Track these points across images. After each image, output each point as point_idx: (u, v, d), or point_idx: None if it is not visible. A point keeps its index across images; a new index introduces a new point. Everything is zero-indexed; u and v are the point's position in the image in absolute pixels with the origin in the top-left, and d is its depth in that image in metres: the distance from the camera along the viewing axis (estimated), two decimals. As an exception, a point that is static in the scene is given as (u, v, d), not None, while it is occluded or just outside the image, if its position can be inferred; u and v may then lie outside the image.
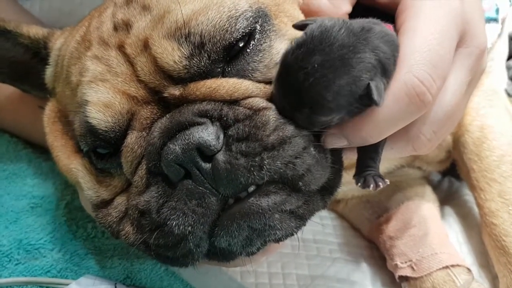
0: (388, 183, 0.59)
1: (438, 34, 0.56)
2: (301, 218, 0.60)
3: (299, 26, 0.56)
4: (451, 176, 1.08)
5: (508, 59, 1.22)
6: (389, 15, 0.62)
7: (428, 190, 0.96)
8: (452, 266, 0.80)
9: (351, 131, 0.56)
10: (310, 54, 0.51)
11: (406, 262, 0.83)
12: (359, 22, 0.55)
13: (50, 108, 0.74)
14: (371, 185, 0.58)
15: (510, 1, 1.06)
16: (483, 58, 0.63)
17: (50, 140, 0.73)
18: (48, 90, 0.76)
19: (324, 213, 1.01)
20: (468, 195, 1.00)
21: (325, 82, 0.51)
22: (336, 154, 0.62)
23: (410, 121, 0.56)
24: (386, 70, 0.53)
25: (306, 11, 0.66)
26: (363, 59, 0.52)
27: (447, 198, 1.03)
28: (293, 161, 0.55)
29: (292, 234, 0.60)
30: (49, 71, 0.75)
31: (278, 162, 0.55)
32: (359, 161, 0.61)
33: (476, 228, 0.92)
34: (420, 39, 0.56)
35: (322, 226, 0.97)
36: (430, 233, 0.84)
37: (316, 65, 0.51)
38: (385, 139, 0.58)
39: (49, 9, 1.16)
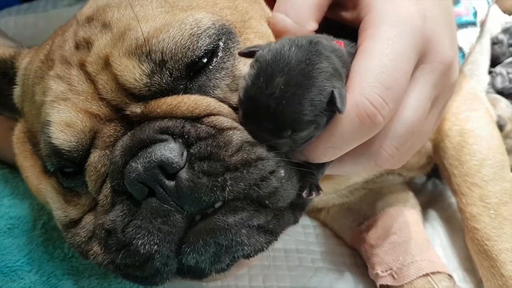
0: (321, 194, 0.59)
1: (394, 55, 0.56)
2: (271, 233, 0.59)
3: (246, 54, 0.56)
4: (435, 178, 1.07)
5: (492, 64, 1.22)
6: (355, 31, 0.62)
7: (409, 196, 0.96)
8: (433, 273, 0.80)
9: (308, 149, 0.56)
10: (271, 79, 0.51)
11: (386, 271, 0.82)
12: (305, 37, 0.55)
13: (19, 129, 0.74)
14: (304, 192, 0.58)
15: (488, 2, 1.05)
16: (450, 72, 0.63)
17: (19, 161, 0.73)
18: (18, 110, 0.75)
19: (306, 222, 1.01)
20: (452, 198, 0.99)
21: (297, 99, 0.51)
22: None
23: (363, 141, 0.57)
24: (341, 77, 0.54)
25: (273, 30, 0.66)
26: (321, 69, 0.52)
27: (431, 201, 1.03)
28: (257, 184, 0.55)
29: (262, 250, 0.59)
30: (17, 91, 0.74)
31: (241, 184, 0.54)
32: (306, 166, 0.60)
33: (461, 231, 0.92)
34: (375, 61, 0.56)
35: (305, 235, 0.97)
36: (411, 240, 0.84)
37: (282, 87, 0.51)
38: None
39: (25, 25, 1.16)
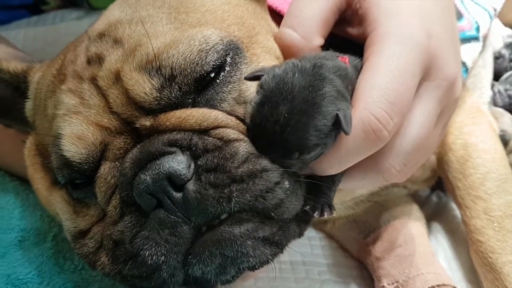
0: (334, 214, 0.60)
1: (398, 71, 0.57)
2: (277, 245, 0.60)
3: (251, 78, 0.58)
4: (440, 190, 1.08)
5: (494, 78, 1.23)
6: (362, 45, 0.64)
7: (414, 208, 0.96)
8: (438, 286, 0.80)
9: (314, 162, 0.57)
10: (276, 107, 0.53)
11: (393, 284, 0.82)
12: (310, 59, 0.57)
13: (31, 141, 0.76)
14: (316, 212, 0.59)
15: (490, 17, 1.06)
16: (454, 88, 0.64)
17: (30, 173, 0.74)
18: (29, 124, 0.77)
19: (312, 234, 1.01)
20: (456, 211, 0.99)
21: (302, 126, 0.52)
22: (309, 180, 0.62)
23: (368, 155, 0.58)
24: (345, 97, 0.55)
25: (279, 44, 0.67)
26: (325, 94, 0.53)
27: (436, 214, 1.03)
28: (263, 195, 0.56)
29: (268, 262, 0.60)
30: (29, 105, 0.76)
31: (247, 195, 0.55)
32: (316, 186, 0.61)
33: (465, 243, 0.92)
34: (380, 77, 0.57)
35: (311, 247, 0.97)
36: (416, 252, 0.84)
37: (286, 115, 0.52)
38: (343, 171, 0.60)
39: (34, 38, 1.18)
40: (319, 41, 0.65)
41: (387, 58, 0.58)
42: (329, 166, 0.58)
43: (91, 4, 1.23)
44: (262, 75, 0.56)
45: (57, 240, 0.87)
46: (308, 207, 0.60)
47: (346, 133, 0.53)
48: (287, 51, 0.66)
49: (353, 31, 0.67)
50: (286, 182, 0.57)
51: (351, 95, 0.58)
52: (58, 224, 0.88)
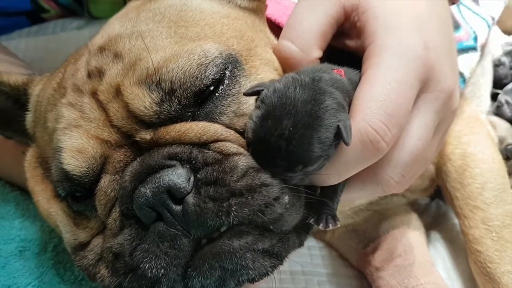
0: (339, 225, 0.60)
1: (396, 83, 0.58)
2: (276, 257, 0.60)
3: (250, 94, 0.58)
4: (439, 199, 1.08)
5: (494, 86, 1.23)
6: (359, 57, 0.64)
7: (413, 218, 0.96)
8: (437, 296, 0.80)
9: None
10: (279, 121, 0.53)
11: (392, 294, 0.83)
12: (308, 73, 0.57)
13: (31, 154, 0.76)
14: (321, 224, 0.59)
15: (489, 26, 1.07)
16: (452, 100, 0.65)
17: (31, 185, 0.74)
18: (29, 136, 0.77)
19: (312, 243, 1.01)
20: (455, 219, 0.99)
21: (306, 139, 0.53)
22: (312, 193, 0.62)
23: (366, 166, 0.58)
24: (344, 108, 0.56)
25: (278, 57, 0.68)
26: (327, 107, 0.54)
27: (435, 222, 1.03)
28: (262, 210, 0.56)
29: (267, 274, 0.60)
30: (29, 117, 0.76)
31: (246, 210, 0.55)
32: (319, 199, 0.62)
33: (464, 253, 0.92)
34: (378, 88, 0.58)
35: (311, 256, 0.97)
36: (415, 262, 0.85)
37: (291, 128, 0.52)
38: (344, 181, 0.60)
39: (35, 47, 1.18)
40: (318, 53, 0.66)
41: (385, 70, 0.59)
42: (328, 176, 0.59)
43: (92, 14, 1.23)
44: (262, 90, 0.56)
45: (58, 250, 0.87)
46: (312, 220, 0.60)
47: (347, 144, 0.53)
48: (285, 63, 0.67)
49: (351, 43, 0.68)
50: (286, 197, 0.57)
51: (349, 107, 0.58)
52: (59, 235, 0.89)
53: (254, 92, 0.57)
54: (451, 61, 0.66)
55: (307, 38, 0.65)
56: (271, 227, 0.57)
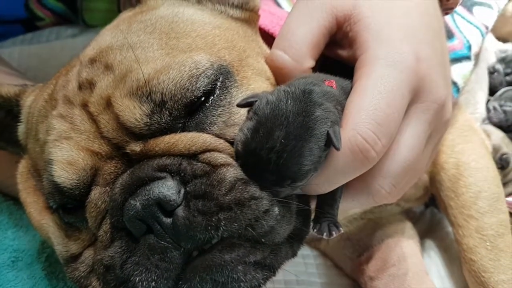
0: (342, 231, 0.60)
1: (387, 93, 0.58)
2: (269, 268, 0.60)
3: (243, 105, 0.58)
4: (434, 207, 1.08)
5: (490, 93, 1.23)
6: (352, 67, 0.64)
7: (407, 226, 0.96)
8: (431, 305, 0.79)
9: None
10: (271, 133, 0.53)
11: (386, 303, 0.82)
12: (299, 86, 0.57)
13: (23, 165, 0.76)
14: (325, 233, 0.59)
15: (482, 35, 1.07)
16: (444, 110, 0.65)
17: (23, 197, 0.74)
18: (22, 147, 0.77)
19: (307, 252, 1.01)
20: (450, 228, 0.99)
21: (298, 151, 0.53)
22: (303, 201, 0.62)
23: (357, 175, 0.58)
24: (336, 115, 0.56)
25: (271, 66, 0.68)
26: (317, 118, 0.54)
27: (429, 230, 1.03)
28: (251, 224, 0.55)
29: (259, 286, 0.60)
30: (21, 128, 0.76)
31: (235, 224, 0.55)
32: (318, 208, 0.62)
33: (458, 261, 0.91)
34: (368, 98, 0.58)
35: (305, 265, 0.97)
36: (409, 272, 0.84)
37: (282, 140, 0.52)
38: (342, 187, 0.60)
39: (29, 55, 1.17)
40: (310, 63, 0.66)
41: (376, 80, 0.59)
42: (318, 186, 0.58)
43: (86, 22, 1.23)
44: (255, 101, 0.56)
45: (50, 261, 0.87)
46: (315, 230, 0.60)
47: (337, 149, 0.53)
48: (278, 73, 0.67)
49: (343, 53, 0.68)
50: (276, 209, 0.57)
51: (340, 116, 0.58)
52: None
53: (247, 104, 0.57)
54: (443, 71, 0.66)
55: (299, 48, 0.65)
56: (262, 239, 0.57)
